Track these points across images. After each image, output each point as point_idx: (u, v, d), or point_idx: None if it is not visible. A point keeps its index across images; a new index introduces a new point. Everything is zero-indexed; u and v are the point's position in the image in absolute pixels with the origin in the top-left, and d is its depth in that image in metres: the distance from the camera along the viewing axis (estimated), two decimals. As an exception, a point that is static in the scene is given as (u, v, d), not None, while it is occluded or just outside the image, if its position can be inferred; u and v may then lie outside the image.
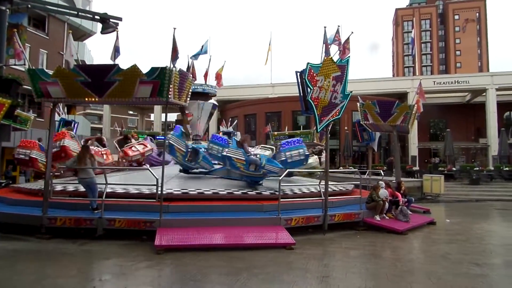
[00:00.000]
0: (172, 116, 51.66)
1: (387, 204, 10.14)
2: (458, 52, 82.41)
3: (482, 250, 7.99)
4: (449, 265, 6.58)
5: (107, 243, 7.54)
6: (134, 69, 7.63)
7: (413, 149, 35.25)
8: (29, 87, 8.12)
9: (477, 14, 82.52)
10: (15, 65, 9.45)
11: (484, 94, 35.62)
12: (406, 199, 10.88)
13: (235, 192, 9.82)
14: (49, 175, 8.54)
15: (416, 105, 13.86)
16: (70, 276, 5.58)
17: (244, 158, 9.92)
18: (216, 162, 12.01)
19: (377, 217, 9.82)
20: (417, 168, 29.88)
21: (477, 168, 25.98)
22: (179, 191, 9.54)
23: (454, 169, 25.91)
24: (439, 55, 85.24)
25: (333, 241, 8.36)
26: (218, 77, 22.02)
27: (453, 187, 22.02)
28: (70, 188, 9.85)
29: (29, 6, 9.04)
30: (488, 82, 35.08)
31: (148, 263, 6.33)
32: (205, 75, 20.65)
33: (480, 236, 9.72)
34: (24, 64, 9.75)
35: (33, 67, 8.97)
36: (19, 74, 8.39)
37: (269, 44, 32.16)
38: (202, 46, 19.18)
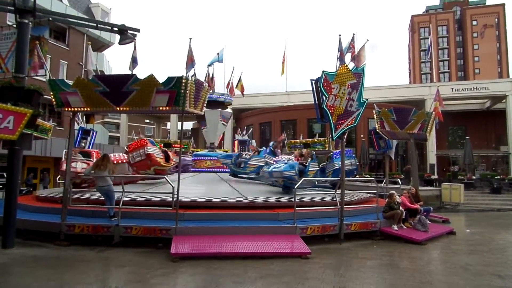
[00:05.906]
0: (188, 125, 52.29)
1: (404, 213, 9.97)
2: (476, 58, 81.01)
3: (504, 262, 7.74)
4: (470, 276, 6.40)
5: (123, 250, 7.63)
6: (151, 78, 7.77)
7: (431, 157, 34.56)
8: (50, 97, 8.36)
9: (496, 19, 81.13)
10: (36, 75, 9.72)
11: (504, 100, 34.84)
12: (422, 209, 10.66)
13: (244, 201, 9.89)
14: (68, 182, 8.71)
15: (434, 112, 13.67)
16: (88, 283, 5.65)
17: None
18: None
19: (395, 227, 9.65)
20: (435, 176, 29.27)
21: (498, 177, 25.34)
22: (188, 198, 9.61)
23: (474, 177, 25.33)
24: (457, 61, 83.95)
25: (349, 250, 8.24)
26: (233, 89, 22.19)
27: (473, 196, 21.52)
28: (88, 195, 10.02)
29: (50, 19, 9.31)
30: (509, 88, 34.32)
31: (164, 271, 6.37)
32: (228, 86, 20.92)
33: (502, 247, 9.44)
34: (45, 75, 10.04)
35: (54, 78, 9.22)
36: (41, 84, 8.63)
37: (284, 54, 32.19)
38: (218, 54, 19.40)
